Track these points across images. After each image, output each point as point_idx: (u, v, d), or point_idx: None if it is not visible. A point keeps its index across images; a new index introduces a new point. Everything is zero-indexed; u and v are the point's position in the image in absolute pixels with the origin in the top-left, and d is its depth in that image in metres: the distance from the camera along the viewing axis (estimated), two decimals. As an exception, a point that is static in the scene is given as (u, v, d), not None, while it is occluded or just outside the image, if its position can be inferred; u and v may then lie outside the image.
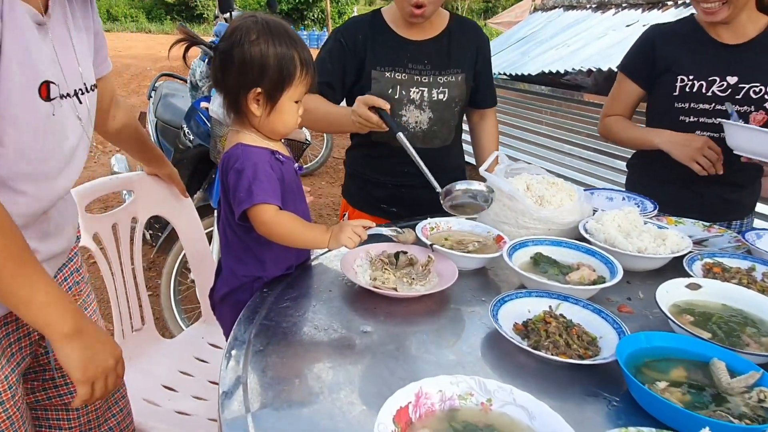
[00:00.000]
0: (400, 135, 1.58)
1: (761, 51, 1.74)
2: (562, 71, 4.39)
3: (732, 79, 1.73)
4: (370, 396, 0.94)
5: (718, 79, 1.75)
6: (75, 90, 1.07)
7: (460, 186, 1.58)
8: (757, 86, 1.72)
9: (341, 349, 1.08)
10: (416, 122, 1.83)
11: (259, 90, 1.24)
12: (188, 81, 3.06)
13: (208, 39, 2.69)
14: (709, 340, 1.08)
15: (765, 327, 1.17)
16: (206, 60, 2.96)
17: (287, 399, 0.93)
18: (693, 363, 1.03)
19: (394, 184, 1.76)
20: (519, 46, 5.75)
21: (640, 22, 4.48)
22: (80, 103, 1.08)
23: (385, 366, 1.03)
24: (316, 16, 26.36)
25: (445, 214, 1.61)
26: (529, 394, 0.84)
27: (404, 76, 1.80)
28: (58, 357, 0.99)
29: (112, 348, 1.06)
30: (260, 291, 1.30)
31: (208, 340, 1.95)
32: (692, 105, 1.78)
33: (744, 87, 1.73)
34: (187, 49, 1.26)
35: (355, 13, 22.20)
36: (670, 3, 4.45)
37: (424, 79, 1.81)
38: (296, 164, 1.43)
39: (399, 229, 1.38)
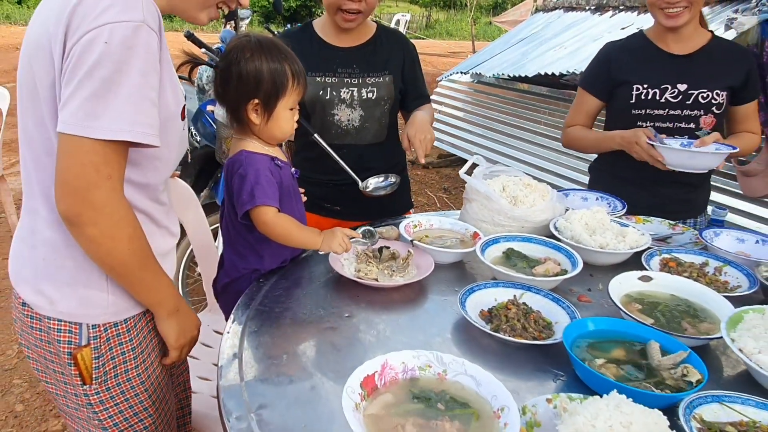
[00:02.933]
0: (316, 135, 1.80)
1: (707, 61, 1.91)
2: (557, 73, 4.51)
3: (682, 87, 1.90)
4: (346, 370, 1.07)
5: (669, 87, 1.91)
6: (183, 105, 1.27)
7: (375, 178, 1.90)
8: (704, 92, 1.89)
9: (324, 331, 1.24)
10: (348, 120, 1.96)
11: (256, 101, 1.39)
12: (195, 84, 3.22)
13: (215, 44, 2.84)
14: (651, 326, 1.22)
15: (705, 314, 1.31)
16: (214, 64, 3.10)
17: (276, 371, 1.09)
18: (634, 344, 1.17)
19: (335, 183, 1.84)
20: (520, 47, 5.87)
21: (635, 24, 4.59)
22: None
23: (362, 345, 1.19)
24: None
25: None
26: (478, 366, 0.99)
27: (334, 80, 1.94)
28: (161, 329, 1.25)
29: (196, 322, 1.33)
30: (257, 281, 1.46)
31: (213, 327, 2.11)
32: (648, 111, 1.95)
33: (693, 93, 1.90)
34: (192, 70, 1.41)
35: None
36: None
37: (354, 80, 1.94)
38: (293, 169, 1.58)
39: (370, 235, 1.54)
